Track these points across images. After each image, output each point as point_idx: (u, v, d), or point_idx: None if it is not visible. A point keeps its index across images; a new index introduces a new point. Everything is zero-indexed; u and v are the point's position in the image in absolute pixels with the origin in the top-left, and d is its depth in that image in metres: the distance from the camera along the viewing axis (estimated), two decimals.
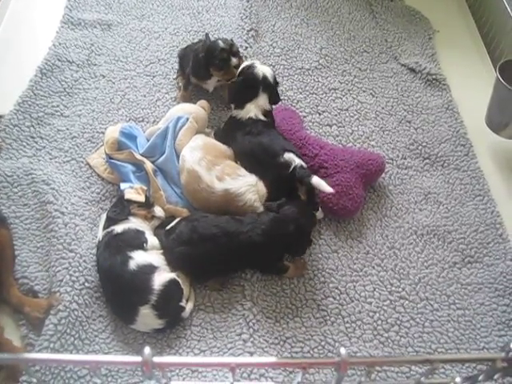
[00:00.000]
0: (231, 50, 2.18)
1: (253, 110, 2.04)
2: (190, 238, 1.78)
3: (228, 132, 2.11)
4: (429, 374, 1.06)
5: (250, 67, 2.08)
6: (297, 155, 1.94)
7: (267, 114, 2.07)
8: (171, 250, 1.80)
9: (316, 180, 1.83)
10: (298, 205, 1.83)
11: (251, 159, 1.98)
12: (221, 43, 2.18)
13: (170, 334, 1.74)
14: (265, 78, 2.06)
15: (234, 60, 2.17)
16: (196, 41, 2.52)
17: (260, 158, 1.96)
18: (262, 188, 1.92)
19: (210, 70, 2.22)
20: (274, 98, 2.10)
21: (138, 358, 0.96)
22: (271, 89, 2.08)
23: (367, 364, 1.05)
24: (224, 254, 1.78)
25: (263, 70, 2.07)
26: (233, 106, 2.12)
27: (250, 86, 2.06)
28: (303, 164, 1.92)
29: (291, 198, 1.86)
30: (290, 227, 1.77)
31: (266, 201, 1.91)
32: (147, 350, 0.95)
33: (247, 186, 1.89)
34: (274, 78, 2.11)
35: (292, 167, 1.89)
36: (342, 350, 0.96)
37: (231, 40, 2.27)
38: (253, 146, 1.98)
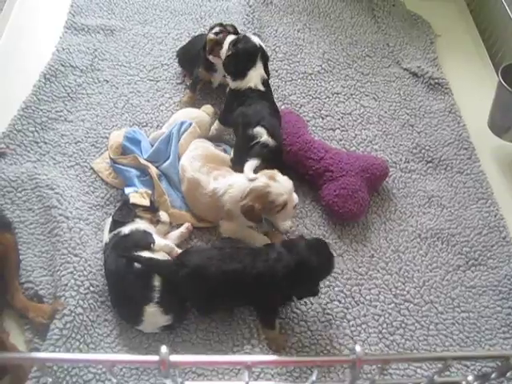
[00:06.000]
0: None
1: (253, 79, 2.05)
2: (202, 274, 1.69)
3: (229, 106, 2.11)
4: (442, 371, 1.06)
5: (245, 37, 2.10)
6: (269, 133, 1.93)
7: (266, 83, 2.09)
8: (185, 290, 1.73)
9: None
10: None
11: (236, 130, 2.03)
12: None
13: (175, 338, 1.73)
14: (261, 46, 2.09)
15: (212, 35, 2.20)
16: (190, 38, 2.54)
17: (239, 127, 1.99)
18: (237, 189, 1.85)
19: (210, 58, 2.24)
20: (267, 70, 2.13)
21: (155, 357, 0.96)
22: (266, 58, 2.11)
23: (381, 362, 1.04)
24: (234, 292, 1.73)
25: (258, 40, 2.10)
26: (230, 78, 2.10)
27: (248, 53, 2.07)
28: (270, 142, 1.92)
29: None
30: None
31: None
32: (164, 348, 0.96)
33: (227, 186, 1.86)
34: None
35: (255, 142, 1.92)
36: (358, 348, 0.96)
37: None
38: (238, 115, 2.01)
